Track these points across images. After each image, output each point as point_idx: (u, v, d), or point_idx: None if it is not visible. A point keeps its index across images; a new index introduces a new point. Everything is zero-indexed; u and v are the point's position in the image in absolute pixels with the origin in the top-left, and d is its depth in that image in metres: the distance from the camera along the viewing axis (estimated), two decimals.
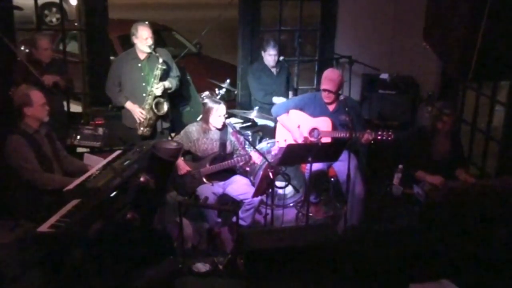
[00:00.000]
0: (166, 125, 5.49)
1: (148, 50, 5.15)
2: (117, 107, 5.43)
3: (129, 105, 5.27)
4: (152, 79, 5.17)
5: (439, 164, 4.78)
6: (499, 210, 4.09)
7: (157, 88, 5.18)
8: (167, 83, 5.29)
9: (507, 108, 5.25)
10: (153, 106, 5.20)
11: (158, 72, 5.15)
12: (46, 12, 12.30)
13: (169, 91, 5.39)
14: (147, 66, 5.25)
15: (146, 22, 5.31)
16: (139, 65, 5.27)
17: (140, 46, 5.20)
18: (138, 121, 5.27)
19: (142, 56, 5.27)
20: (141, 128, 5.28)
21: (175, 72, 5.47)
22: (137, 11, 13.06)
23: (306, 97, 5.25)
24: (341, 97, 4.90)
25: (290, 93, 6.13)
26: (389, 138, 4.66)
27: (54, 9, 12.33)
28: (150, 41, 5.15)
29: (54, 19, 12.44)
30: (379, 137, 4.68)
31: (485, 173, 5.59)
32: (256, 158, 4.83)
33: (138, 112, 5.23)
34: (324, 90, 4.85)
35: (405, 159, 4.75)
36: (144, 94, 5.23)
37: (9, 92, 4.87)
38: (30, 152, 4.07)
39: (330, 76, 4.90)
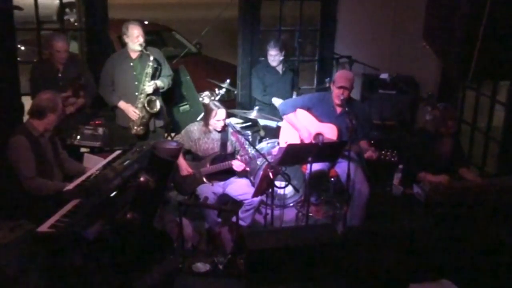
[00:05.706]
0: (159, 123, 5.47)
1: (139, 49, 5.15)
2: (111, 107, 5.42)
3: (122, 104, 5.27)
4: (144, 77, 5.17)
5: (442, 165, 4.77)
6: (499, 210, 4.10)
7: (149, 86, 5.18)
8: (159, 82, 5.29)
9: (507, 108, 5.25)
10: (146, 104, 5.21)
11: (149, 70, 5.16)
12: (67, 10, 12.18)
13: (161, 90, 5.39)
14: (139, 65, 5.24)
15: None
16: (131, 64, 5.27)
17: (131, 45, 5.20)
18: (131, 120, 5.27)
19: (133, 55, 5.27)
20: (135, 127, 5.29)
21: (167, 71, 5.47)
22: (137, 11, 13.06)
23: (315, 97, 5.23)
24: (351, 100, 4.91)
25: (294, 94, 6.11)
26: (393, 159, 4.63)
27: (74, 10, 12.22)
28: (141, 40, 5.15)
29: (72, 19, 12.38)
30: (382, 157, 4.66)
31: (485, 173, 5.58)
32: (237, 166, 4.83)
33: (132, 111, 5.24)
34: (340, 87, 4.83)
35: (408, 160, 4.73)
36: (136, 93, 5.23)
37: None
38: (30, 156, 4.04)
39: (345, 75, 4.94)
